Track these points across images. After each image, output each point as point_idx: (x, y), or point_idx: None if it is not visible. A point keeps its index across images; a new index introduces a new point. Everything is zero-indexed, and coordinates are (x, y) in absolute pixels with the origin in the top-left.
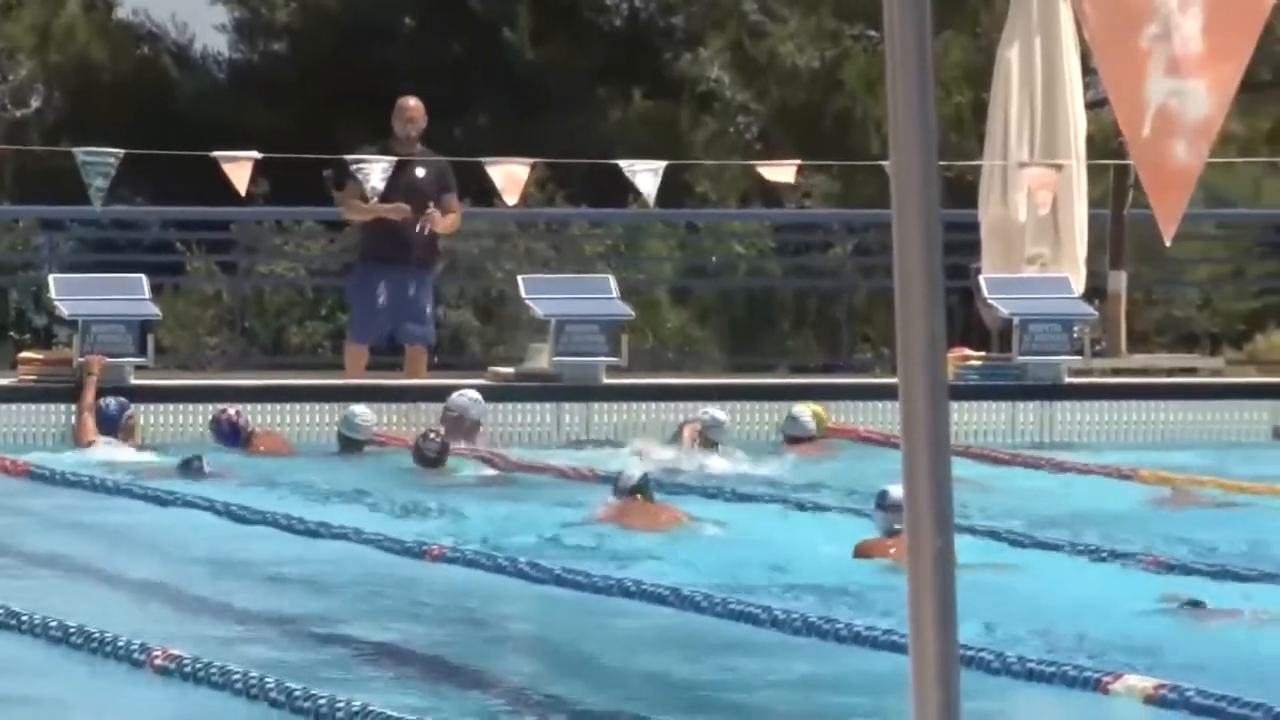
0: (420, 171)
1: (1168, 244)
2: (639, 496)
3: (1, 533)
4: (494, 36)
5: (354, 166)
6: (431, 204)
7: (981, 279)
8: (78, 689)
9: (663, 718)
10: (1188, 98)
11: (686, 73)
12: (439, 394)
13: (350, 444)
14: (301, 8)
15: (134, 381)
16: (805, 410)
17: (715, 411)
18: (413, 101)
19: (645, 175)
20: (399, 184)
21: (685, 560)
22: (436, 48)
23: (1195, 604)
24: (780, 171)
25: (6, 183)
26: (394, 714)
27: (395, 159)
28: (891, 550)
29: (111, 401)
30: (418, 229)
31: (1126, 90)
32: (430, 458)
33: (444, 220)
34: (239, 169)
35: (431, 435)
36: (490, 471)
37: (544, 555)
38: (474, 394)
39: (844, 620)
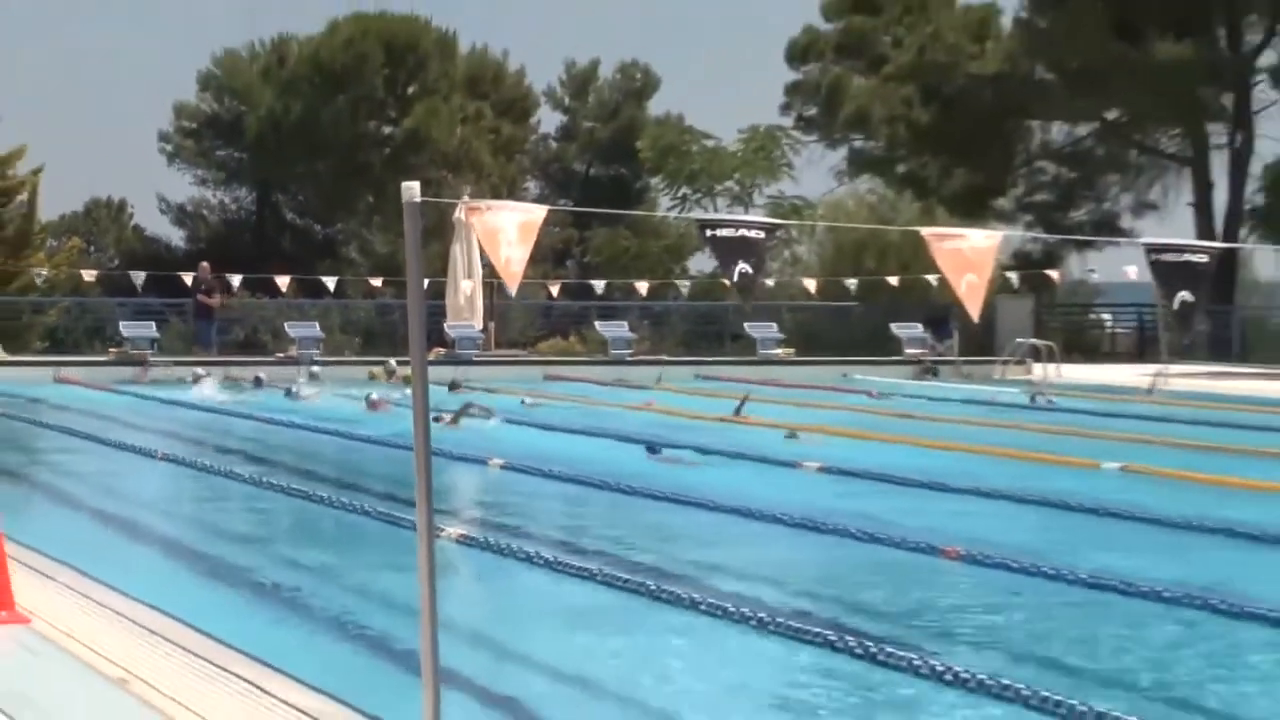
0: (204, 287)
1: (511, 296)
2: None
3: (103, 409)
4: (279, 237)
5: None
6: (216, 295)
7: (446, 325)
8: (126, 467)
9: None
10: (512, 261)
11: (347, 254)
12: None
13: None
14: (208, 229)
15: (152, 360)
16: (391, 362)
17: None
18: (205, 264)
19: (329, 283)
20: (203, 290)
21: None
22: (262, 241)
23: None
24: (376, 281)
25: (99, 290)
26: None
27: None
28: None
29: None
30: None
31: (494, 253)
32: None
33: (214, 301)
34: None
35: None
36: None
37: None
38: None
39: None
